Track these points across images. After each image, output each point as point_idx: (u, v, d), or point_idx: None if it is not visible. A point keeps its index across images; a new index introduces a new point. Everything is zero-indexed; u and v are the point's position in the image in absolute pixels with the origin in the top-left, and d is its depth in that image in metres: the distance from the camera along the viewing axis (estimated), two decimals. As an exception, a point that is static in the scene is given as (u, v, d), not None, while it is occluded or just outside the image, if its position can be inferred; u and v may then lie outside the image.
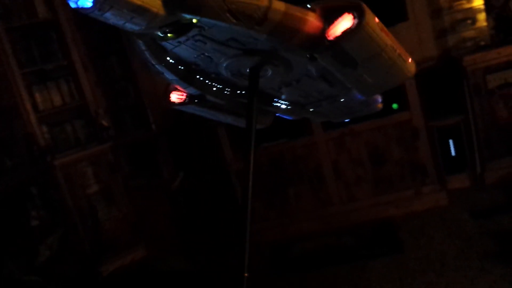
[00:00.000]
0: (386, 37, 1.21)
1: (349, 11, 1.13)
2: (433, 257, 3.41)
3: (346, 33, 1.13)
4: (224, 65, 1.32)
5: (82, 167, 4.48)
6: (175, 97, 1.51)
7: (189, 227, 4.65)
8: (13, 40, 4.37)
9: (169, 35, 1.13)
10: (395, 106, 4.04)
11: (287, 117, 1.63)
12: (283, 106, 1.55)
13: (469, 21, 4.34)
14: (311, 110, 1.58)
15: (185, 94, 1.49)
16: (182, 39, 1.17)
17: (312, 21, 1.13)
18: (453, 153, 4.32)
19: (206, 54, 1.27)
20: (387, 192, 4.20)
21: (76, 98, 4.63)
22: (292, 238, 4.19)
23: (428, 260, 3.39)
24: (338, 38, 1.14)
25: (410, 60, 1.32)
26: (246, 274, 1.17)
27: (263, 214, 4.29)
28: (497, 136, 4.21)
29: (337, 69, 1.26)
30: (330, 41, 1.14)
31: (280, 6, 1.08)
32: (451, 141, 4.31)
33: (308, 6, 1.14)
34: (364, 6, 1.13)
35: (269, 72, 1.33)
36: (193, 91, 1.43)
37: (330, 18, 1.15)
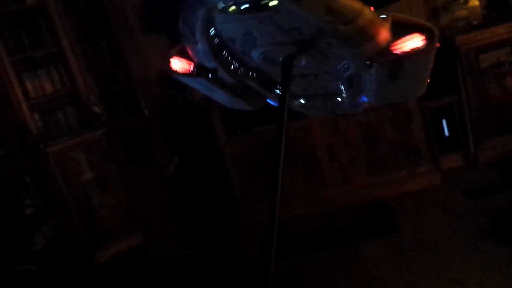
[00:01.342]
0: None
1: (421, 32, 1.17)
2: (427, 236, 3.44)
3: (414, 51, 1.17)
4: (264, 49, 1.29)
5: (76, 155, 4.45)
6: (179, 66, 1.42)
7: (184, 212, 4.66)
8: (1, 27, 4.31)
9: (230, 9, 1.11)
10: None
11: (274, 104, 1.60)
12: None
13: (461, 1, 4.32)
14: (301, 101, 1.56)
15: (192, 65, 1.41)
16: (247, 16, 1.14)
17: (385, 32, 1.15)
18: (446, 133, 4.33)
19: (255, 34, 1.23)
20: (381, 173, 4.22)
21: (67, 85, 4.58)
22: (287, 220, 4.20)
23: (422, 240, 3.41)
24: (404, 54, 1.17)
25: (428, 80, 1.38)
26: (272, 268, 1.16)
27: (258, 197, 4.30)
28: (490, 116, 4.22)
29: (378, 79, 1.27)
30: (395, 54, 1.18)
31: (368, 12, 1.10)
32: (444, 121, 4.31)
33: (383, 16, 1.15)
34: (436, 32, 1.17)
35: (302, 63, 1.30)
36: (212, 65, 1.37)
37: (399, 32, 1.17)
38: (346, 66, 1.32)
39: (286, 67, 1.28)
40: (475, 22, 4.27)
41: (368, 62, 1.20)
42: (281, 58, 1.29)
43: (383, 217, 3.89)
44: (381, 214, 3.95)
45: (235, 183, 4.37)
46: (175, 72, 1.43)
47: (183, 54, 1.41)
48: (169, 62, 1.42)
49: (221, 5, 1.11)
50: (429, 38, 1.17)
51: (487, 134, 4.23)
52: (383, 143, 4.16)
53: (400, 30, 1.18)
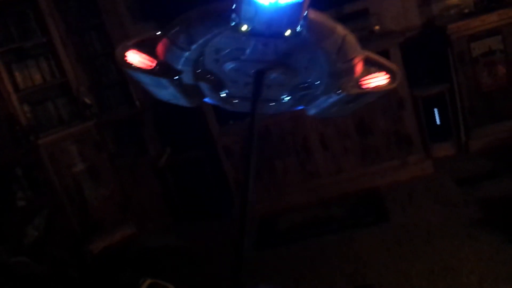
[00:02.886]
0: None
1: (387, 72, 1.29)
2: (420, 225, 3.46)
3: (377, 88, 1.30)
4: (246, 63, 1.28)
5: (67, 146, 4.42)
6: (137, 60, 1.30)
7: (177, 203, 4.65)
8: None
9: (243, 28, 1.10)
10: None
11: (211, 102, 1.55)
12: (223, 95, 1.47)
13: (452, -11, 4.31)
14: (234, 101, 1.51)
15: (155, 62, 1.30)
16: (257, 38, 1.15)
17: (361, 67, 1.26)
18: (438, 121, 4.34)
19: (247, 51, 1.23)
20: (373, 162, 4.23)
21: (57, 75, 4.54)
22: (280, 210, 4.21)
23: (415, 229, 3.43)
24: (368, 89, 1.30)
25: None
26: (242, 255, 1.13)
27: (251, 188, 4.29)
28: (482, 104, 4.23)
29: (335, 102, 1.35)
30: (362, 89, 1.30)
31: (363, 52, 1.25)
32: (436, 110, 4.32)
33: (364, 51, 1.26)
34: (399, 74, 1.30)
35: (272, 77, 1.31)
36: (184, 68, 1.30)
37: (369, 68, 1.29)
38: (307, 85, 1.36)
39: (258, 80, 1.29)
40: (466, 10, 4.27)
41: (339, 91, 1.29)
42: (253, 71, 1.29)
43: (376, 206, 3.91)
44: (374, 203, 3.96)
45: (228, 174, 4.36)
46: (129, 65, 1.30)
47: (141, 48, 1.30)
48: (124, 54, 1.29)
49: (243, 26, 1.10)
50: (393, 78, 1.29)
51: (478, 123, 4.25)
52: (376, 133, 4.17)
53: (371, 66, 1.29)
